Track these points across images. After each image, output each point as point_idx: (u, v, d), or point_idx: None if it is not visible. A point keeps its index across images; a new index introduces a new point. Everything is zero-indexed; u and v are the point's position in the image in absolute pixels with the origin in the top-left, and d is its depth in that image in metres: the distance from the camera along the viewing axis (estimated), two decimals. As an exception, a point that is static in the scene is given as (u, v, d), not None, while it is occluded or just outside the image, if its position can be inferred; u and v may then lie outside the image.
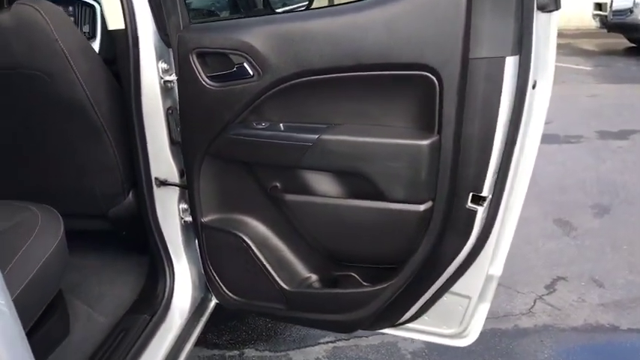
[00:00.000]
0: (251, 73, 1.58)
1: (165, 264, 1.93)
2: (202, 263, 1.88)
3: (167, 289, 1.92)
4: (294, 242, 1.75)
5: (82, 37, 1.79)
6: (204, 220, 1.78)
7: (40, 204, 1.71)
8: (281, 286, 1.73)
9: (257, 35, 1.55)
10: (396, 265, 1.63)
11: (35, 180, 2.00)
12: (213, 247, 1.81)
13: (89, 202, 2.00)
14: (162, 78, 1.73)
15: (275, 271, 1.74)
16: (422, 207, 1.52)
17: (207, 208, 1.77)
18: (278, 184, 1.68)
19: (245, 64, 1.58)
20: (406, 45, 1.39)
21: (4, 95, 1.77)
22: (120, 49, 1.73)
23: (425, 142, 1.45)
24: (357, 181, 1.56)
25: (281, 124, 1.62)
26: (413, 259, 1.59)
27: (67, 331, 1.71)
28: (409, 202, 1.53)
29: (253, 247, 1.73)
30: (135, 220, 1.98)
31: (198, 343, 1.99)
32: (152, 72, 1.73)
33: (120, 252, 2.18)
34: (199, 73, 1.63)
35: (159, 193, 1.88)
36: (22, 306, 1.42)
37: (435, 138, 1.45)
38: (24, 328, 1.47)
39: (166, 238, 1.92)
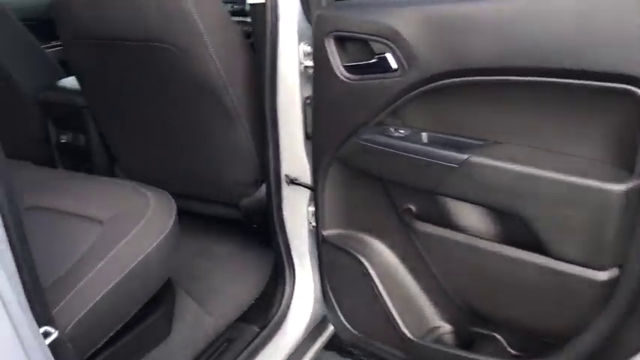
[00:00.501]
0: (394, 66, 1.24)
1: (287, 269, 1.71)
2: (320, 279, 1.62)
3: (284, 299, 1.69)
4: (425, 281, 1.40)
5: (222, 12, 1.60)
6: (325, 233, 1.51)
7: (154, 187, 1.59)
8: (402, 332, 1.40)
9: (405, 19, 1.20)
10: (556, 340, 1.20)
11: (163, 159, 1.90)
12: (333, 266, 1.54)
13: (220, 188, 1.84)
14: (302, 63, 1.47)
15: (398, 312, 1.41)
16: (603, 275, 1.08)
17: (330, 219, 1.50)
18: (412, 207, 1.34)
19: (388, 55, 1.25)
20: (604, 46, 0.94)
21: (137, 69, 1.65)
22: (258, 26, 1.50)
23: (618, 187, 1.00)
24: (514, 223, 1.16)
25: (423, 134, 1.27)
26: (581, 340, 1.15)
27: (168, 330, 1.58)
28: (584, 266, 1.09)
29: (375, 277, 1.42)
30: (265, 216, 1.78)
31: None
32: (292, 55, 1.48)
33: (249, 244, 2.01)
34: (334, 62, 1.34)
35: (288, 192, 1.65)
36: (121, 295, 1.30)
37: (635, 183, 0.99)
38: (121, 321, 1.37)
39: (291, 242, 1.69)
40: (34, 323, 0.90)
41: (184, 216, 2.08)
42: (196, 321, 1.64)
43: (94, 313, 1.25)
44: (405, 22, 1.20)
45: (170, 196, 1.57)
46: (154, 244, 1.40)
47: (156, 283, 1.43)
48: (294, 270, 1.71)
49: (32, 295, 0.95)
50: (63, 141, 2.03)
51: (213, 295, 1.78)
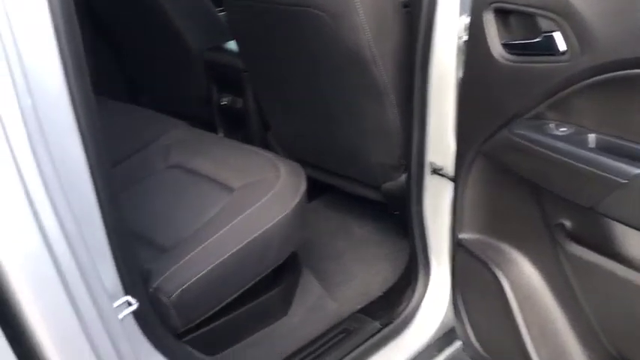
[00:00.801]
0: (562, 48, 1.01)
1: (421, 267, 1.55)
2: (451, 285, 1.43)
3: (414, 298, 1.54)
4: (571, 313, 1.15)
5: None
6: (461, 235, 1.32)
7: (288, 160, 1.52)
8: (538, 369, 1.17)
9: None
10: None
11: (310, 130, 1.82)
12: (466, 273, 1.35)
13: (363, 168, 1.73)
14: (460, 37, 1.28)
15: (533, 342, 1.18)
16: None
17: (468, 221, 1.30)
18: (566, 224, 1.09)
19: (556, 34, 1.01)
20: None
21: (288, 35, 1.59)
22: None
23: None
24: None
25: (591, 136, 1.01)
26: None
27: (285, 309, 1.52)
28: None
29: (511, 298, 1.21)
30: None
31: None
32: (450, 27, 1.29)
33: (389, 230, 1.87)
34: (490, 38, 1.13)
35: (430, 182, 1.48)
36: (235, 266, 1.27)
37: None
38: (232, 292, 1.34)
39: (428, 238, 1.53)
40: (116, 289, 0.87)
41: (328, 192, 2.02)
42: (317, 304, 1.56)
43: (204, 282, 1.23)
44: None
45: (302, 171, 1.49)
46: (277, 218, 1.34)
47: (275, 259, 1.38)
48: (429, 268, 1.55)
49: (120, 263, 0.92)
50: (223, 103, 2.05)
51: (341, 279, 1.69)
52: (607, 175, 0.93)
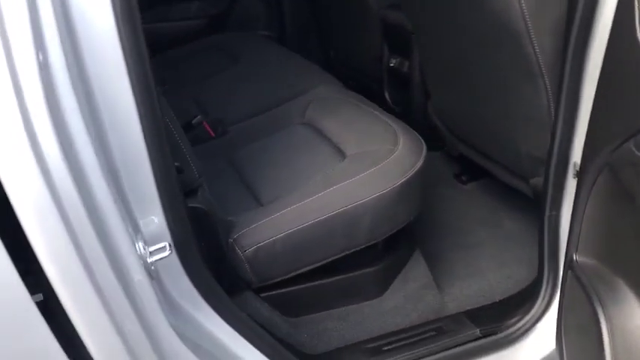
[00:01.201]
0: None
1: (546, 280, 1.34)
2: (558, 311, 1.21)
3: (530, 315, 1.34)
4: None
5: None
6: (576, 257, 1.08)
7: (413, 134, 1.42)
8: None
9: None
10: None
11: (464, 105, 1.66)
12: (570, 300, 1.12)
13: (513, 156, 1.53)
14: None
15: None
16: None
17: (583, 241, 1.06)
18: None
19: None
20: None
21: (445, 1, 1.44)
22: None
23: None
24: None
25: None
26: None
27: (380, 290, 1.44)
28: None
29: (607, 347, 0.97)
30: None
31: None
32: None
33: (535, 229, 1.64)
34: (638, 19, 0.88)
35: (572, 186, 1.26)
36: (321, 235, 1.25)
37: None
38: (314, 260, 1.29)
39: (560, 248, 1.31)
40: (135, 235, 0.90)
41: (487, 175, 1.83)
42: (418, 294, 1.45)
43: (281, 244, 1.23)
44: None
45: (421, 149, 1.38)
46: (373, 195, 1.27)
47: (366, 237, 1.31)
48: (555, 286, 1.33)
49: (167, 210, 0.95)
50: (391, 64, 1.97)
51: (464, 273, 1.54)
52: None
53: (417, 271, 1.48)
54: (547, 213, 1.31)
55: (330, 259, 1.30)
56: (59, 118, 0.74)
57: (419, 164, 1.33)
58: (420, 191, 1.38)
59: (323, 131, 1.51)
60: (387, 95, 2.07)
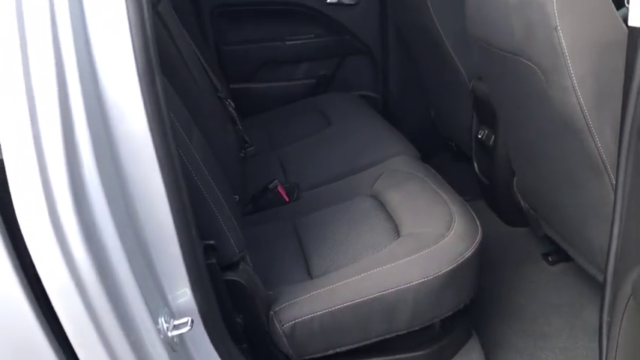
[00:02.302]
0: None
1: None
2: None
3: None
4: None
5: (604, 32, 1.16)
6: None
7: (470, 216, 1.42)
8: None
9: None
10: None
11: (539, 185, 1.59)
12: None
13: (586, 245, 1.45)
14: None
15: None
16: None
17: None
18: None
19: None
20: None
21: (513, 82, 1.42)
22: (629, 53, 1.05)
23: None
24: None
25: None
26: None
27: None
28: None
29: None
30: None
31: None
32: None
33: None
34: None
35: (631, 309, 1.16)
36: (361, 316, 1.29)
37: None
38: (352, 341, 1.30)
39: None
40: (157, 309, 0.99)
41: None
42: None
43: (318, 322, 1.27)
44: None
45: (476, 235, 1.35)
46: (415, 281, 1.27)
47: (407, 323, 1.30)
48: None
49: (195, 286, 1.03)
50: (479, 136, 1.93)
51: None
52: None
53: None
54: (605, 318, 1.21)
55: (369, 342, 1.31)
56: (87, 211, 0.86)
57: (469, 253, 1.31)
58: (471, 279, 1.35)
59: (385, 205, 1.54)
60: (475, 165, 2.04)
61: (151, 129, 0.91)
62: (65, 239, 0.83)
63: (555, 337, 1.56)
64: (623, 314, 0.96)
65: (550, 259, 1.88)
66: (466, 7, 1.51)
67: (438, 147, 2.49)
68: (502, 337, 1.57)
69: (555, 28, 1.14)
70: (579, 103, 1.18)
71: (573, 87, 1.17)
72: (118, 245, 0.90)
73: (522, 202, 1.78)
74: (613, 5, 1.18)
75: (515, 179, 1.81)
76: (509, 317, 1.65)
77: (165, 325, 0.99)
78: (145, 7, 0.89)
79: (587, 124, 1.20)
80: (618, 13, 1.24)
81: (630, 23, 1.02)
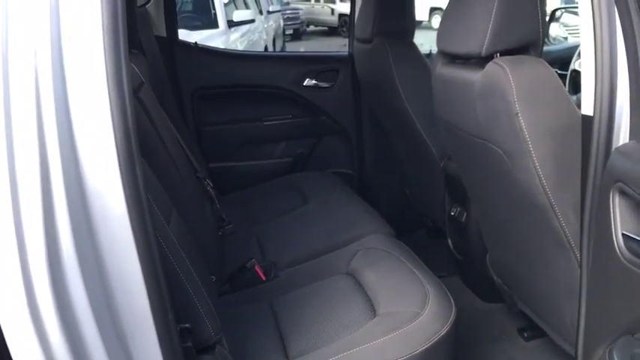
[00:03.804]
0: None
1: None
2: None
3: None
4: None
5: (558, 119, 1.24)
6: None
7: (444, 294, 1.44)
8: None
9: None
10: None
11: (508, 264, 1.63)
12: None
13: (558, 322, 1.47)
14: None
15: None
16: None
17: None
18: None
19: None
20: None
21: (479, 163, 1.49)
22: (584, 139, 1.12)
23: None
24: None
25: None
26: None
27: None
28: None
29: None
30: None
31: None
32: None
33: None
34: (614, 224, 0.88)
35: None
36: None
37: None
38: None
39: None
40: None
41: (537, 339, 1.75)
42: None
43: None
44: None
45: (450, 312, 1.37)
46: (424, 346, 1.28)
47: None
48: None
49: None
50: (452, 213, 1.99)
51: None
52: None
53: None
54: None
55: None
56: (65, 297, 0.87)
57: (443, 332, 1.33)
58: (446, 357, 1.36)
59: (362, 284, 1.56)
60: (449, 242, 2.08)
61: (129, 212, 0.94)
62: (42, 326, 0.84)
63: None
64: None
65: (526, 335, 1.90)
66: (433, 91, 1.60)
67: (413, 223, 2.54)
68: None
69: (516, 115, 1.22)
70: (542, 184, 1.24)
71: (535, 169, 1.24)
72: (95, 331, 0.91)
73: (495, 278, 1.82)
74: (567, 93, 1.27)
75: (488, 255, 1.85)
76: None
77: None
78: (127, 94, 0.93)
79: (550, 203, 1.26)
80: (574, 98, 1.34)
81: (583, 112, 1.10)
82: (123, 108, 0.93)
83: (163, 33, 2.52)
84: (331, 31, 14.80)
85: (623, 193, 0.86)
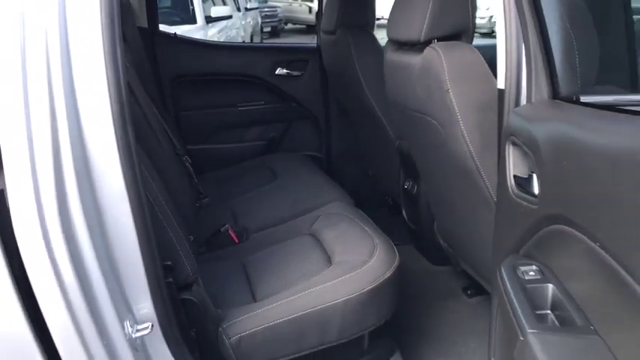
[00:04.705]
0: (536, 190, 0.97)
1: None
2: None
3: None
4: None
5: (483, 94, 1.48)
6: None
7: (390, 246, 1.67)
8: None
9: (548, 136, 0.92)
10: None
11: (452, 228, 1.87)
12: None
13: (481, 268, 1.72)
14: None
15: None
16: None
17: (494, 344, 1.24)
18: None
19: (534, 175, 0.98)
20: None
21: (421, 135, 1.72)
22: (499, 111, 1.36)
23: None
24: None
25: (549, 286, 0.94)
26: None
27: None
28: None
29: None
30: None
31: None
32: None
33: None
34: (508, 170, 1.12)
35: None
36: (293, 331, 1.50)
37: None
38: (290, 352, 1.52)
39: None
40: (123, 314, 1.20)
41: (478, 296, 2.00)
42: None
43: (260, 336, 1.48)
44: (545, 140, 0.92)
45: (394, 261, 1.61)
46: (341, 299, 1.51)
47: (337, 335, 1.52)
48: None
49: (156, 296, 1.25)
50: (406, 187, 2.23)
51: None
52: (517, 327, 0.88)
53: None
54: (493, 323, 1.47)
55: (308, 352, 1.53)
56: (73, 241, 1.09)
57: (388, 274, 1.56)
58: (390, 297, 1.59)
59: (321, 242, 1.79)
60: (404, 213, 2.32)
61: (123, 168, 1.15)
62: (57, 265, 1.05)
63: (470, 356, 1.80)
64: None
65: (469, 293, 2.15)
66: (385, 75, 1.84)
67: (376, 202, 2.77)
68: (425, 356, 1.80)
69: (447, 91, 1.46)
70: (469, 150, 1.48)
71: (464, 137, 1.47)
72: (96, 266, 1.13)
73: (442, 243, 2.06)
74: (491, 73, 1.51)
75: (435, 223, 2.09)
76: (432, 341, 1.89)
77: (129, 329, 1.20)
78: (121, 68, 1.14)
79: (477, 166, 1.49)
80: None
81: (498, 86, 1.34)
82: (117, 80, 1.13)
83: (145, 24, 2.72)
84: (309, 29, 14.99)
85: (514, 144, 1.10)
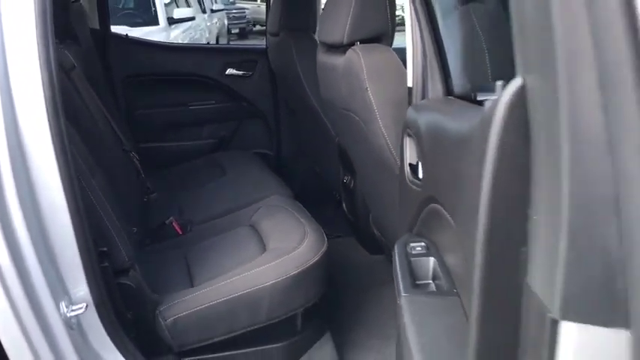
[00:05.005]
0: (420, 175, 1.10)
1: None
2: None
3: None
4: None
5: (398, 91, 1.62)
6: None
7: (319, 234, 1.80)
8: None
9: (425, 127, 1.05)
10: None
11: (380, 216, 2.00)
12: None
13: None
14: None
15: None
16: None
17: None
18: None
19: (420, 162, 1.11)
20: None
21: (346, 130, 1.85)
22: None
23: None
24: None
25: (431, 259, 1.08)
26: None
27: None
28: None
29: None
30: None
31: None
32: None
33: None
34: (405, 159, 1.25)
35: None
36: (227, 312, 1.61)
37: None
38: (225, 332, 1.62)
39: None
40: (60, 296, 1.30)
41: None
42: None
43: (195, 317, 1.59)
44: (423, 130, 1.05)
45: (322, 247, 1.73)
46: (270, 282, 1.62)
47: (267, 316, 1.64)
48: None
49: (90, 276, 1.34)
50: (344, 181, 2.36)
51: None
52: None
53: (323, 353, 1.78)
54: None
55: (239, 332, 1.64)
56: (8, 226, 1.18)
57: (314, 259, 1.68)
58: (318, 281, 1.71)
59: (259, 232, 1.91)
60: (344, 206, 2.45)
61: (56, 153, 1.24)
62: None
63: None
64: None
65: (404, 281, 2.28)
66: (318, 75, 1.97)
67: (324, 197, 2.90)
68: (356, 337, 1.93)
69: (366, 90, 1.59)
70: (387, 143, 1.61)
71: (381, 131, 1.60)
72: (32, 251, 1.22)
73: (376, 232, 2.19)
74: (406, 73, 1.64)
75: (371, 215, 2.22)
76: (364, 323, 2.02)
77: (64, 309, 1.30)
78: (52, 58, 1.23)
79: (394, 159, 1.62)
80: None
81: (408, 85, 1.48)
82: (49, 66, 1.21)
83: (97, 26, 2.81)
84: (276, 31, 15.08)
85: (409, 135, 1.23)
